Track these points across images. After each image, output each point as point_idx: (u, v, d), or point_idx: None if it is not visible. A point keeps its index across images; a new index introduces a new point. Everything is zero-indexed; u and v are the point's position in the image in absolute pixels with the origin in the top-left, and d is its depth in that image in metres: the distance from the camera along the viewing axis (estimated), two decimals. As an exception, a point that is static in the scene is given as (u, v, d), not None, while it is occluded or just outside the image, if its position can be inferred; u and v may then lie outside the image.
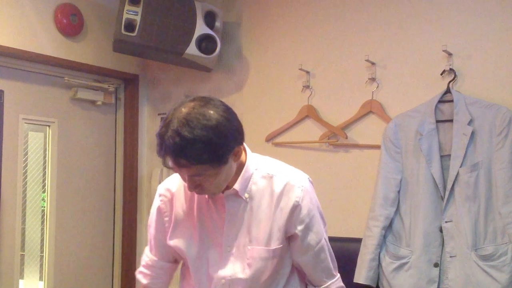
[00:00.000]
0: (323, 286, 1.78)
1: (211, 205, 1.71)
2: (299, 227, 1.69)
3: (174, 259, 1.86)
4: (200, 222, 1.73)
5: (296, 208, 1.68)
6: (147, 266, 1.87)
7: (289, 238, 1.73)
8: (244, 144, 1.68)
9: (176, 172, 1.60)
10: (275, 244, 1.69)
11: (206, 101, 1.55)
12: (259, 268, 1.70)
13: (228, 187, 1.67)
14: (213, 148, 1.51)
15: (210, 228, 1.72)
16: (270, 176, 1.70)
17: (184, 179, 1.61)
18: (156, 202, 1.81)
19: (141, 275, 1.88)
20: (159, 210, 1.80)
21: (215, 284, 1.72)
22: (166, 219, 1.79)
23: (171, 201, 1.78)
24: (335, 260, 1.82)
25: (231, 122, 1.56)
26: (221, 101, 1.59)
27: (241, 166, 1.68)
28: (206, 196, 1.70)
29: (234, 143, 1.57)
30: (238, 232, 1.70)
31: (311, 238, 1.72)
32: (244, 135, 1.63)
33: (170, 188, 1.79)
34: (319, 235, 1.73)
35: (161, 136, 1.53)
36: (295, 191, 1.68)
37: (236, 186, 1.67)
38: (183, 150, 1.49)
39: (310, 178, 1.77)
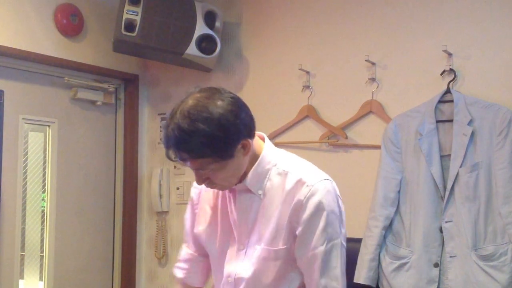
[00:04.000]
0: None
1: (231, 199, 1.67)
2: (299, 228, 1.57)
3: None
4: (222, 217, 1.70)
5: (299, 206, 1.56)
6: (184, 260, 1.85)
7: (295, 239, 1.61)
8: (265, 136, 1.64)
9: (181, 164, 1.59)
10: (278, 245, 1.60)
11: (212, 93, 1.52)
12: (260, 268, 1.61)
13: (241, 181, 1.61)
14: (214, 142, 1.47)
15: (229, 223, 1.67)
16: (285, 173, 1.61)
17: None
18: (190, 194, 1.82)
19: (177, 269, 1.86)
20: (191, 201, 1.81)
21: (224, 282, 1.69)
22: (196, 211, 1.78)
23: (200, 193, 1.78)
24: (339, 279, 1.61)
25: (237, 115, 1.50)
26: (230, 93, 1.54)
27: (255, 159, 1.61)
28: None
29: (239, 136, 1.51)
30: (251, 229, 1.63)
31: (308, 242, 1.57)
32: (254, 128, 1.58)
33: None
34: (319, 241, 1.58)
35: (165, 128, 1.52)
36: (303, 189, 1.57)
37: (247, 180, 1.60)
38: (182, 143, 1.48)
39: (330, 179, 1.64)
